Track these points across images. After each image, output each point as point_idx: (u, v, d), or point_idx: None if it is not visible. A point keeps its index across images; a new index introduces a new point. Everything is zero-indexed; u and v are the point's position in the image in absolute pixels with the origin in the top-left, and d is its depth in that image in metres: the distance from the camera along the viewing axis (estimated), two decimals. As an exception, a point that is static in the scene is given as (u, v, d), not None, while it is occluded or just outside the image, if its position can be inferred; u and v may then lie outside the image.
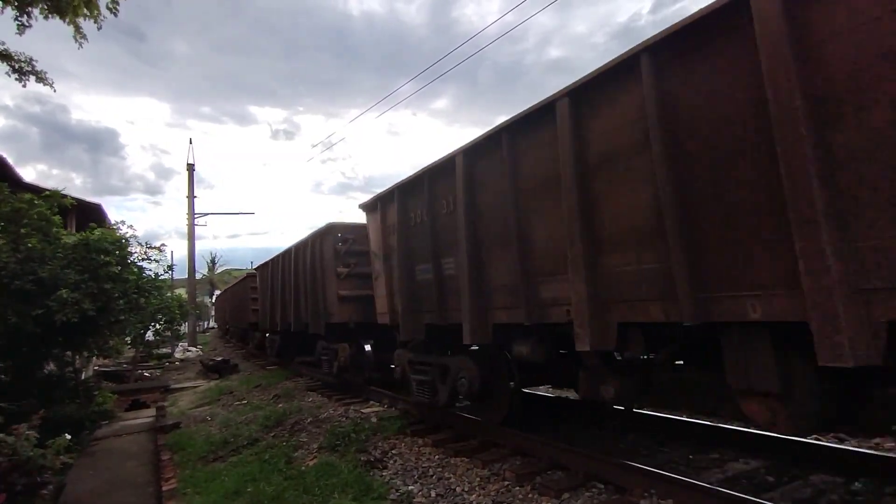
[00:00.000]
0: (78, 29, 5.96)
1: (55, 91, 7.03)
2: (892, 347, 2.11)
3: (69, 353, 8.25)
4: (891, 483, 3.41)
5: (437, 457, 4.94)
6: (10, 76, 6.58)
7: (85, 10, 5.77)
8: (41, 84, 6.78)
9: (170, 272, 11.47)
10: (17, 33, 5.76)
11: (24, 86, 6.73)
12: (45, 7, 5.58)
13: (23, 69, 6.59)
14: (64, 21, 5.76)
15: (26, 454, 4.53)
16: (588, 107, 3.50)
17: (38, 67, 6.71)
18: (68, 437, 5.60)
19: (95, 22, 6.01)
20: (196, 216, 26.04)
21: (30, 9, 5.61)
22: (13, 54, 6.53)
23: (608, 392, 3.83)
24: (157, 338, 14.35)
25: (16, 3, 5.53)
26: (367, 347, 8.93)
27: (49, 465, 4.76)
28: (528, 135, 4.12)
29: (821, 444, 4.23)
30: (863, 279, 2.15)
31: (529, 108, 3.99)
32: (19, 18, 5.68)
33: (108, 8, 6.04)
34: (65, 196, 7.79)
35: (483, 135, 4.59)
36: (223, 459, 5.99)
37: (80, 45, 6.13)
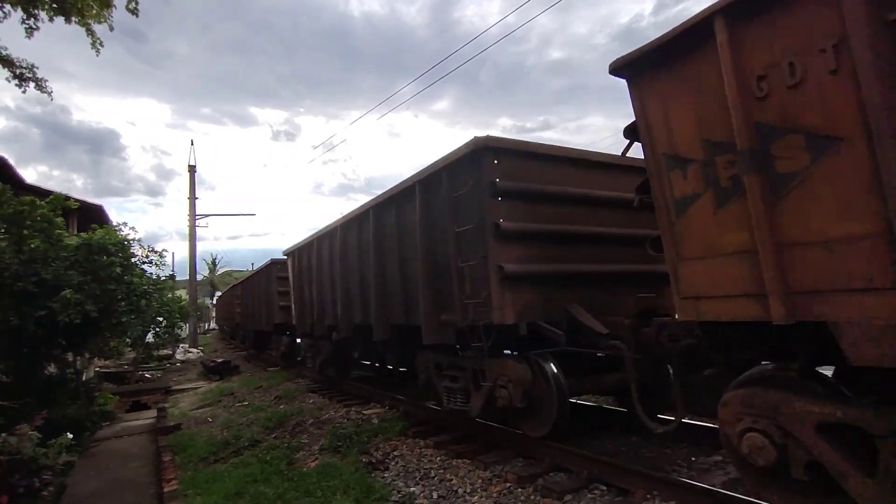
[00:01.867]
0: (94, 35, 5.99)
1: (52, 99, 7.09)
2: None
3: (70, 354, 8.26)
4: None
5: (438, 458, 4.94)
6: (10, 81, 6.62)
7: (94, 11, 5.78)
8: (39, 91, 6.82)
9: (172, 278, 11.46)
10: (25, 37, 5.78)
11: (24, 91, 6.78)
12: (51, 9, 5.60)
13: (23, 75, 6.62)
14: (69, 23, 5.78)
15: (28, 453, 4.53)
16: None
17: (39, 74, 6.75)
18: (70, 436, 5.61)
19: (105, 22, 6.03)
20: (197, 217, 26.06)
21: (36, 10, 5.63)
22: (15, 60, 6.56)
23: None
24: (158, 339, 14.37)
25: (21, 4, 5.55)
26: None
27: (51, 465, 4.76)
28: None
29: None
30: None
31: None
32: (26, 21, 5.70)
33: (128, 9, 6.07)
34: (68, 199, 7.82)
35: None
36: (224, 461, 5.98)
37: (98, 50, 6.16)
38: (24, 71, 6.61)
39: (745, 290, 2.71)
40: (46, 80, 6.80)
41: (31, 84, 6.75)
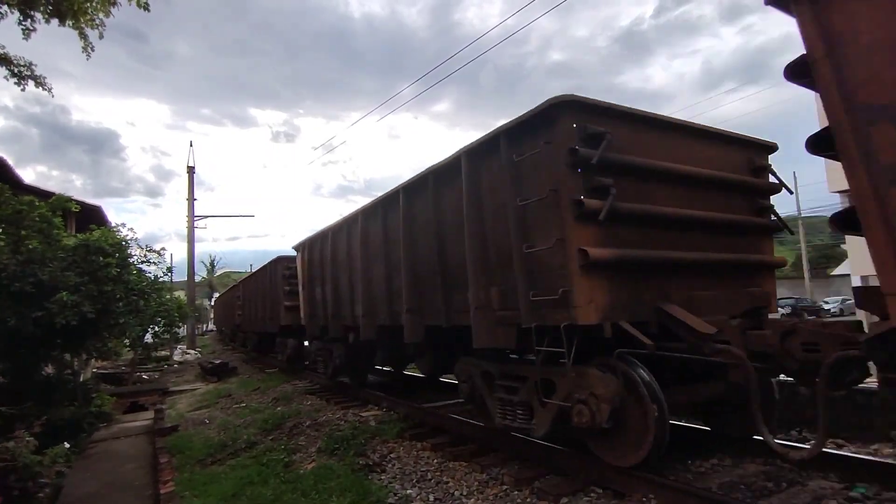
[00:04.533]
0: (85, 38, 5.97)
1: (53, 96, 7.07)
2: None
3: (68, 355, 8.24)
4: (889, 489, 3.42)
5: (435, 461, 4.94)
6: (8, 80, 6.61)
7: (88, 17, 5.78)
8: (39, 88, 6.81)
9: (169, 274, 11.47)
10: (23, 38, 5.78)
11: (23, 89, 6.76)
12: (48, 11, 5.59)
13: (22, 73, 6.61)
14: (64, 25, 5.78)
15: (24, 460, 4.53)
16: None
17: (38, 71, 6.73)
18: (66, 445, 5.60)
19: (97, 28, 6.02)
20: (196, 219, 26.05)
21: (32, 12, 5.63)
22: (12, 58, 6.56)
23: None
24: (156, 340, 14.39)
25: (17, 4, 5.55)
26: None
27: (45, 472, 4.76)
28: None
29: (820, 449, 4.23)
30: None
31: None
32: (23, 22, 5.70)
33: (139, 5, 6.00)
34: (70, 200, 7.83)
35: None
36: (221, 462, 5.98)
37: (89, 55, 6.13)
38: (21, 69, 6.60)
39: None
40: (45, 77, 6.79)
41: (31, 82, 6.74)
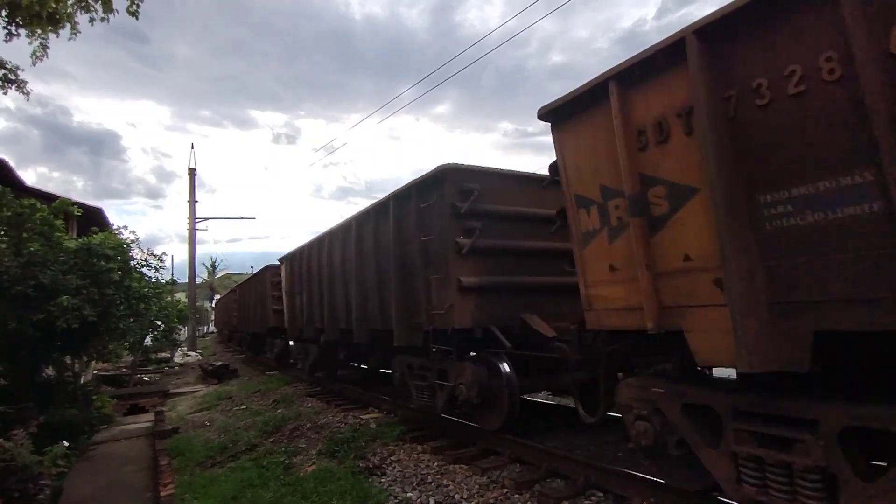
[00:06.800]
0: (43, 47, 5.91)
1: (28, 100, 7.02)
2: None
3: (68, 357, 8.25)
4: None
5: (435, 464, 4.93)
6: None
7: (66, 11, 5.73)
8: (19, 92, 6.79)
9: (172, 284, 11.56)
10: (4, 40, 5.79)
11: (5, 93, 6.76)
12: (28, 20, 5.58)
13: (7, 77, 6.62)
14: (56, 32, 5.78)
15: (23, 460, 4.53)
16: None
17: (37, 72, 6.75)
18: (66, 444, 5.59)
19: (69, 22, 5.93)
20: (197, 220, 26.06)
21: (17, 18, 5.64)
22: (2, 62, 6.58)
23: None
24: (156, 343, 14.41)
25: (6, 18, 5.58)
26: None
27: (45, 472, 4.76)
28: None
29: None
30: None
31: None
32: (8, 27, 5.72)
33: (129, 12, 5.90)
34: (73, 204, 7.84)
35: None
36: (221, 465, 5.97)
37: (34, 62, 6.01)
38: (7, 72, 6.61)
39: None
40: (27, 82, 6.79)
41: (13, 86, 6.73)
